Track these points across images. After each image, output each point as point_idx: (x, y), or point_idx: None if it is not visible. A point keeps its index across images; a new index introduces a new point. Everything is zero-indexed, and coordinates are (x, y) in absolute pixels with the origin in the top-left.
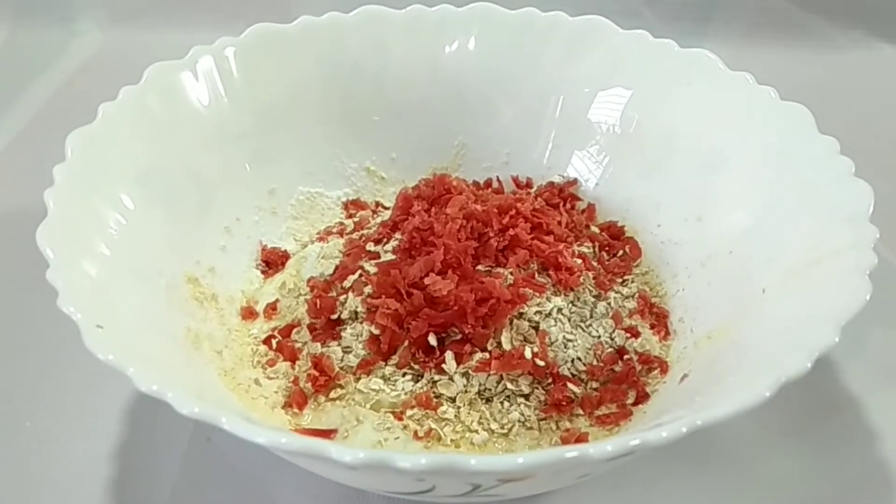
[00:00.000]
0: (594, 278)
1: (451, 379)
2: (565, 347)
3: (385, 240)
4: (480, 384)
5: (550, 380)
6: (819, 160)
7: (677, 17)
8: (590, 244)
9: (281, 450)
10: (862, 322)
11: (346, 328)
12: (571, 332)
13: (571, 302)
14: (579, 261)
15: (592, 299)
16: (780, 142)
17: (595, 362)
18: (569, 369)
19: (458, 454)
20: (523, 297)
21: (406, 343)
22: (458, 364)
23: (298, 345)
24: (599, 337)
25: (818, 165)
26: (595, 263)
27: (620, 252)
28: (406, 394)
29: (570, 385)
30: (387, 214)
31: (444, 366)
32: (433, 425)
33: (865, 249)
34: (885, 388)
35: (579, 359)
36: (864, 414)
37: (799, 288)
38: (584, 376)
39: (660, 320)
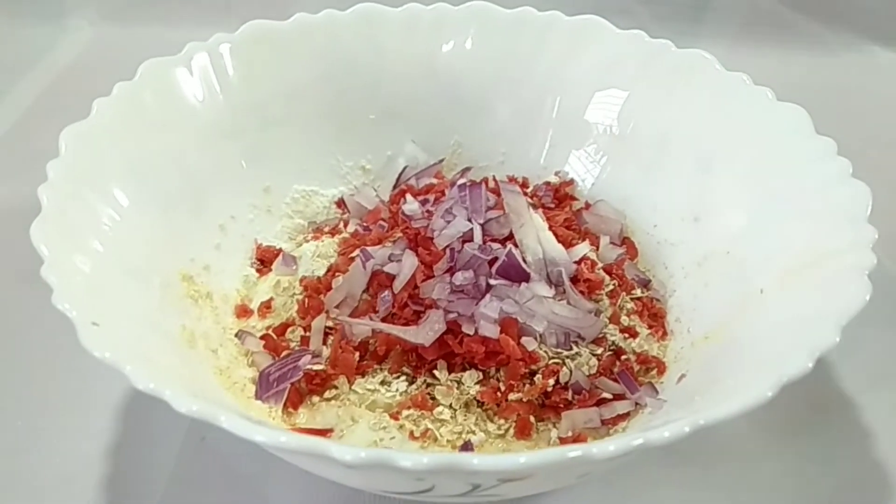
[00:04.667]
0: (609, 296)
1: (444, 385)
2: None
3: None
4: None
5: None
6: (816, 161)
7: (671, 17)
8: (590, 245)
9: (280, 448)
10: (854, 322)
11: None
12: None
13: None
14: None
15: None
16: (778, 142)
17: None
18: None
19: (459, 453)
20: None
21: (398, 349)
22: (450, 373)
23: (293, 344)
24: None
25: (816, 166)
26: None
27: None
28: (401, 394)
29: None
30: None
31: (435, 372)
32: (429, 425)
33: (864, 250)
34: (878, 389)
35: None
36: (858, 414)
37: (798, 288)
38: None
39: (657, 320)
